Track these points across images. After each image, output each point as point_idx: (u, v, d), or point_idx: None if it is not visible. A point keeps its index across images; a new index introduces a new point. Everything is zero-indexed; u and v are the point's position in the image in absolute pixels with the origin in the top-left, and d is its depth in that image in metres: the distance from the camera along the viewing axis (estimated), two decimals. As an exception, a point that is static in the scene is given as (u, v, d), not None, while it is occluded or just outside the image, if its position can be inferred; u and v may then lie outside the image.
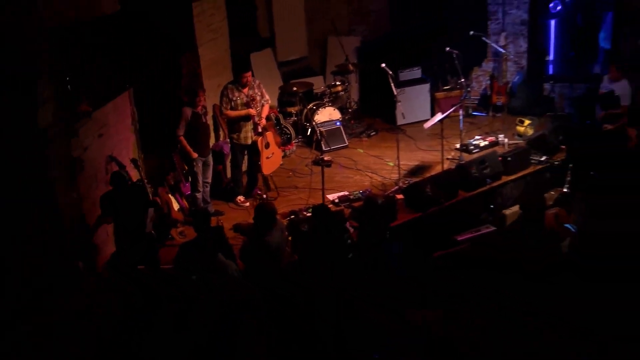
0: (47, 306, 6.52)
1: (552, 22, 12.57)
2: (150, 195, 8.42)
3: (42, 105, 6.49)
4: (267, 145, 9.37)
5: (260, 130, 9.23)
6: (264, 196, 9.45)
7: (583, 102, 11.41)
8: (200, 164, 8.87)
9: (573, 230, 7.17)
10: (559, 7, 12.44)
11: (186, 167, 8.99)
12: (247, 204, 9.38)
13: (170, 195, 8.81)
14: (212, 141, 9.56)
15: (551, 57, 12.69)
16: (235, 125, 9.26)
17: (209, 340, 5.46)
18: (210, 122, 9.58)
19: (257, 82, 9.41)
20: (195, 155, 8.72)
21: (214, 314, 5.85)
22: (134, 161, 8.35)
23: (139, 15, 8.32)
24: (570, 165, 9.45)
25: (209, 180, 9.15)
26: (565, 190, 9.33)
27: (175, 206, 8.83)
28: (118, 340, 5.88)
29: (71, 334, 6.14)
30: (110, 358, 5.78)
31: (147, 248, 7.40)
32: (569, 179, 9.34)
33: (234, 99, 9.11)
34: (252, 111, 9.08)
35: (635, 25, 11.35)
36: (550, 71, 12.68)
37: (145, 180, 8.35)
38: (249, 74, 9.21)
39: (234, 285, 6.49)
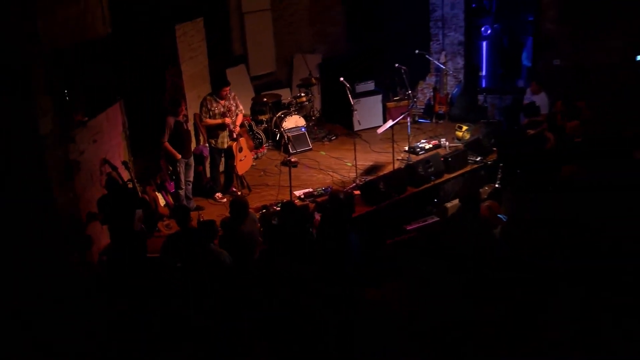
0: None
1: (484, 44, 12.75)
2: (140, 192, 8.34)
3: (42, 116, 6.44)
4: (241, 150, 9.29)
5: (235, 136, 9.15)
6: (239, 193, 9.37)
7: (510, 111, 11.60)
8: (183, 165, 8.75)
9: (504, 219, 7.22)
10: (489, 31, 12.66)
11: (171, 168, 8.88)
12: (224, 200, 9.25)
13: (157, 193, 8.70)
14: (193, 145, 9.46)
15: (484, 72, 12.85)
16: (213, 132, 9.15)
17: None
18: (191, 128, 9.47)
19: (233, 94, 9.31)
20: (179, 157, 8.62)
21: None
22: (124, 163, 8.30)
23: (128, 37, 8.29)
24: (501, 164, 9.50)
25: (191, 179, 9.04)
26: (497, 185, 9.36)
27: (162, 202, 8.71)
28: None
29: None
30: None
31: (137, 241, 7.31)
32: (500, 176, 9.37)
33: (212, 109, 9.00)
34: (228, 120, 9.00)
35: (549, 48, 11.42)
36: (483, 84, 12.80)
37: (135, 180, 8.27)
38: (228, 88, 9.12)
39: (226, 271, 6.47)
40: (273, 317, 5.53)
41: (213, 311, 5.99)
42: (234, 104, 9.21)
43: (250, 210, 7.41)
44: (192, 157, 9.01)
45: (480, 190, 9.48)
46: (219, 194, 9.39)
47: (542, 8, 11.33)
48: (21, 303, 6.23)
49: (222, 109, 8.99)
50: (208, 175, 9.76)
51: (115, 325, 6.02)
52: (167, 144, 8.51)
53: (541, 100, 10.51)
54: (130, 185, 8.14)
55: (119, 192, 7.39)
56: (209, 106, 8.99)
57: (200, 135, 9.79)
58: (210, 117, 9.01)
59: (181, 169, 8.75)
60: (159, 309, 6.06)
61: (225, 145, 9.20)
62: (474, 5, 12.39)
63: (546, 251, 6.40)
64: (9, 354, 5.70)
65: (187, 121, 8.88)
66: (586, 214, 6.66)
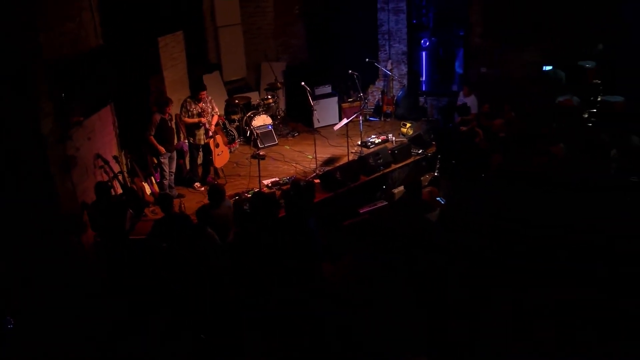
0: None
1: (424, 54, 12.70)
2: (129, 183, 8.35)
3: (44, 117, 6.42)
4: (217, 146, 9.27)
5: (210, 134, 9.14)
6: (215, 182, 9.37)
7: (446, 111, 11.67)
8: (166, 158, 8.76)
9: (442, 202, 7.34)
10: (427, 43, 12.61)
11: (155, 161, 8.85)
12: (202, 189, 9.24)
13: (143, 183, 8.64)
14: (175, 141, 9.45)
15: (424, 78, 12.82)
16: (191, 130, 9.14)
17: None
18: (173, 126, 9.45)
19: (210, 98, 9.28)
20: (163, 151, 8.62)
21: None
22: (115, 158, 8.27)
23: (117, 48, 8.22)
24: (439, 156, 9.59)
25: (174, 170, 9.02)
26: (436, 174, 9.47)
27: (148, 191, 8.65)
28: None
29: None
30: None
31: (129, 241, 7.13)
32: (438, 165, 9.48)
33: (190, 109, 8.99)
34: (203, 120, 8.99)
35: (477, 58, 11.44)
36: (423, 88, 12.78)
37: (125, 172, 8.27)
38: (205, 92, 9.11)
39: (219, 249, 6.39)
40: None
41: (199, 286, 5.85)
42: (210, 107, 9.21)
43: (225, 196, 7.39)
44: (174, 152, 8.98)
45: (422, 178, 9.55)
46: (197, 184, 9.40)
47: (471, 25, 11.30)
48: (26, 278, 6.19)
49: (199, 110, 9.00)
50: (188, 167, 9.70)
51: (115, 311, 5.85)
52: (152, 138, 8.47)
53: (471, 101, 10.59)
54: (120, 177, 8.18)
55: (108, 197, 7.21)
56: (187, 107, 9.00)
57: (181, 132, 9.70)
58: (188, 117, 9.03)
59: (165, 161, 8.75)
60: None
61: (202, 142, 9.21)
62: (414, 22, 12.37)
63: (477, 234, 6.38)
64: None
65: (171, 119, 8.86)
66: (510, 201, 6.73)
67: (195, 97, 9.07)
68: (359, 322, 5.14)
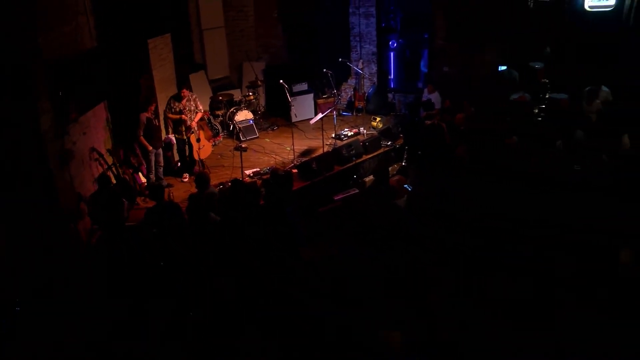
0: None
1: (392, 54, 12.81)
2: (121, 173, 8.36)
3: (43, 115, 6.42)
4: (199, 140, 9.21)
5: (192, 130, 9.12)
6: (202, 172, 9.34)
7: (412, 106, 11.73)
8: (153, 155, 8.78)
9: (409, 189, 7.41)
10: (395, 45, 12.72)
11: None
12: (187, 179, 9.31)
13: (138, 174, 8.73)
14: (163, 134, 9.46)
15: (392, 76, 12.92)
16: (176, 126, 9.17)
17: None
18: (162, 123, 9.44)
19: (194, 96, 9.27)
20: (150, 148, 8.66)
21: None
22: (109, 150, 8.28)
23: (110, 49, 8.21)
24: (406, 147, 9.69)
25: (162, 163, 9.04)
26: (403, 163, 9.58)
27: (140, 181, 8.75)
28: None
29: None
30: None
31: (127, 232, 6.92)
32: (405, 156, 9.59)
33: (174, 107, 9.03)
34: (184, 117, 8.99)
35: (440, 58, 11.50)
36: (392, 85, 12.88)
37: (117, 164, 8.30)
38: (185, 90, 9.08)
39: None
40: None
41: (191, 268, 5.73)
42: (194, 105, 9.19)
43: (210, 185, 7.41)
44: (161, 147, 8.99)
45: (390, 167, 9.68)
46: (185, 175, 9.47)
47: (435, 28, 11.35)
48: (29, 262, 6.13)
49: (181, 107, 9.01)
50: (176, 159, 9.74)
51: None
52: (142, 138, 8.54)
53: (435, 98, 10.64)
54: (114, 169, 8.20)
55: (109, 187, 7.26)
56: (172, 104, 9.07)
57: (169, 127, 9.72)
58: (172, 113, 9.09)
59: (152, 157, 8.76)
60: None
61: (185, 137, 9.22)
62: (383, 25, 12.40)
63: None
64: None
65: (155, 117, 8.82)
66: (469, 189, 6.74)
67: (179, 95, 9.10)
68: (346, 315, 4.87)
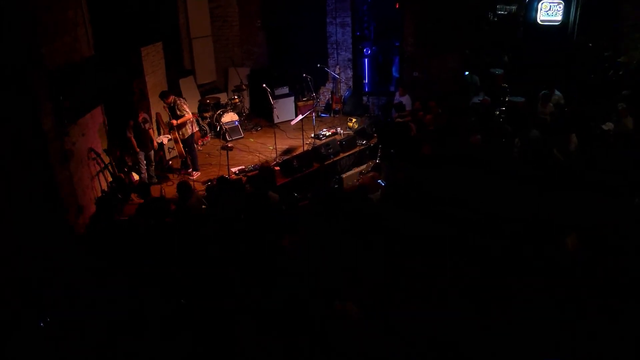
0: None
1: (366, 60, 12.91)
2: (116, 172, 8.45)
3: (45, 116, 6.46)
4: (176, 141, 9.06)
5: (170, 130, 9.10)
6: (183, 178, 8.90)
7: (385, 108, 11.84)
8: (142, 156, 8.76)
9: (382, 184, 7.43)
10: (369, 52, 12.86)
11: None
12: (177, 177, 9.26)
13: (132, 173, 8.82)
14: (155, 135, 9.31)
15: (366, 80, 12.98)
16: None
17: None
18: (154, 125, 9.45)
19: (180, 101, 8.91)
20: (137, 150, 8.62)
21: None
22: (105, 150, 8.35)
23: (107, 57, 8.26)
24: (380, 145, 9.69)
25: (153, 163, 9.03)
26: (377, 161, 9.55)
27: (134, 178, 8.81)
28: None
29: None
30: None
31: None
32: (379, 154, 9.58)
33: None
34: (173, 121, 8.87)
35: (410, 64, 11.54)
36: (366, 89, 12.96)
37: (113, 163, 8.38)
38: (171, 97, 8.83)
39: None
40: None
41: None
42: (179, 110, 8.85)
43: (195, 190, 7.36)
44: (152, 151, 8.83)
45: (365, 164, 9.76)
46: (182, 171, 9.46)
47: (405, 37, 11.42)
48: (29, 249, 6.04)
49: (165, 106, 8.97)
50: (167, 158, 9.77)
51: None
52: (132, 138, 8.51)
53: (406, 100, 10.75)
54: (110, 167, 8.28)
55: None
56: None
57: (161, 128, 9.80)
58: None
59: (141, 158, 8.75)
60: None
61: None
62: (358, 34, 12.51)
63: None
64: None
65: (145, 122, 8.66)
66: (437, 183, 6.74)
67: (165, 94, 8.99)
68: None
